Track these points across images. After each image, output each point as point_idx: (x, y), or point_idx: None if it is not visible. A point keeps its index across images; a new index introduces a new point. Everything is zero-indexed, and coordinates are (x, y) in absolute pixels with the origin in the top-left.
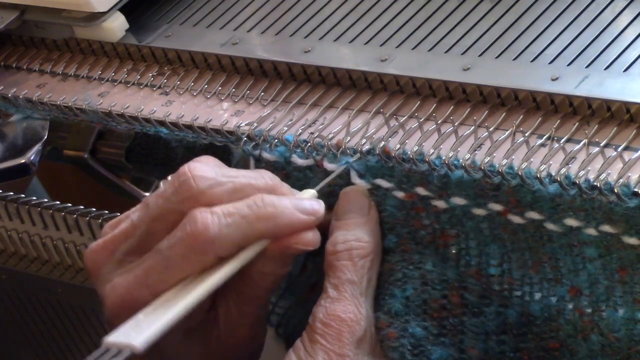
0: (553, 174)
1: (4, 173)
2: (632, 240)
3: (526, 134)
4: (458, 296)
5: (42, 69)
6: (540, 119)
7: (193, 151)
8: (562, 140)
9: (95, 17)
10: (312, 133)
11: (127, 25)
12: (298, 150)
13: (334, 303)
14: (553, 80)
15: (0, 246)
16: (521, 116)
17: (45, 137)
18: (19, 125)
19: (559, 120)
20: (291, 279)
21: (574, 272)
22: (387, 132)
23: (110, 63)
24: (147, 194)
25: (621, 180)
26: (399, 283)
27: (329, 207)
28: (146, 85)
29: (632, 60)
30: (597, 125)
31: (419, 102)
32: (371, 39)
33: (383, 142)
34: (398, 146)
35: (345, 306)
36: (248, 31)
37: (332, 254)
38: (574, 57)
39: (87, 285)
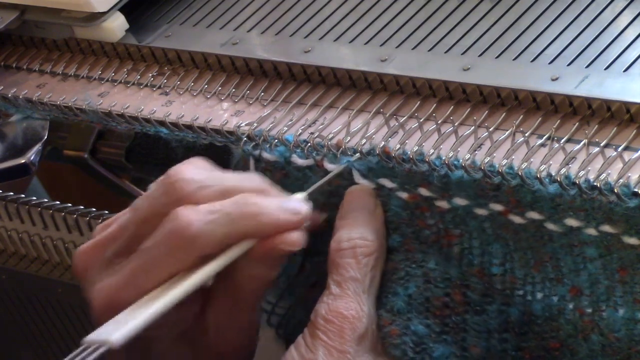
0: (553, 174)
1: (4, 173)
2: (632, 241)
3: (526, 134)
4: (460, 294)
5: (42, 69)
6: (540, 119)
7: (193, 151)
8: (562, 140)
9: (95, 17)
10: (312, 133)
11: (127, 25)
12: (298, 150)
13: (336, 300)
14: (553, 80)
15: (0, 246)
16: (521, 116)
17: (45, 137)
18: (19, 125)
19: (559, 120)
20: (290, 279)
21: (575, 272)
22: (387, 132)
23: (110, 63)
24: None
25: (621, 180)
26: (402, 281)
27: (332, 206)
28: (146, 86)
29: (632, 60)
30: (597, 125)
31: (419, 102)
32: (371, 39)
33: (383, 142)
34: (398, 146)
35: (348, 303)
36: (248, 31)
37: (336, 251)
38: (574, 57)
39: None
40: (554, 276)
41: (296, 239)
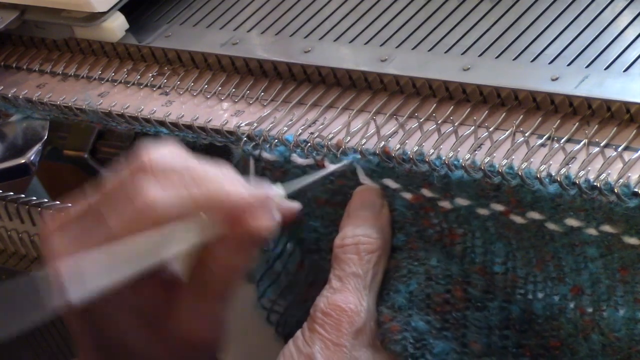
0: (553, 174)
1: (4, 173)
2: (632, 240)
3: (526, 134)
4: (461, 290)
5: (42, 69)
6: (540, 119)
7: (193, 151)
8: (562, 140)
9: (95, 17)
10: (312, 133)
11: (127, 25)
12: (298, 150)
13: (336, 293)
14: (553, 80)
15: (0, 246)
16: (521, 116)
17: (45, 137)
18: (19, 125)
19: (559, 120)
20: (289, 277)
21: (576, 271)
22: (388, 132)
23: (110, 63)
24: None
25: (621, 180)
26: (404, 279)
27: (336, 205)
28: (146, 85)
29: (632, 60)
30: (597, 125)
31: (418, 102)
32: (371, 39)
33: (383, 142)
34: (398, 146)
35: (347, 297)
36: (248, 31)
37: (340, 247)
38: (574, 57)
39: None
40: (555, 275)
41: (264, 222)
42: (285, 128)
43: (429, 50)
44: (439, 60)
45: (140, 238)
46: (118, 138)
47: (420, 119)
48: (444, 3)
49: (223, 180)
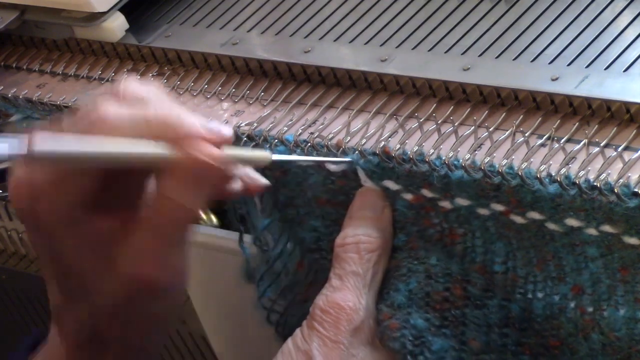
0: (553, 174)
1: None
2: (632, 241)
3: (526, 134)
4: (461, 288)
5: (42, 69)
6: (540, 119)
7: None
8: (562, 140)
9: (95, 17)
10: (312, 133)
11: (127, 25)
12: (298, 150)
13: (335, 292)
14: (553, 80)
15: (0, 246)
16: (521, 116)
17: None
18: (19, 125)
19: (559, 120)
20: (288, 277)
21: (577, 271)
22: (388, 132)
23: (110, 63)
24: None
25: (621, 180)
26: (404, 277)
27: (337, 205)
28: None
29: (632, 60)
30: (597, 125)
31: (418, 102)
32: (371, 39)
33: (383, 143)
34: (398, 146)
35: (346, 295)
36: (248, 31)
37: (340, 246)
38: (574, 57)
39: None
40: (556, 275)
41: (214, 152)
42: (285, 128)
43: (429, 50)
44: (439, 60)
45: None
46: None
47: (420, 119)
48: (444, 3)
49: (183, 111)
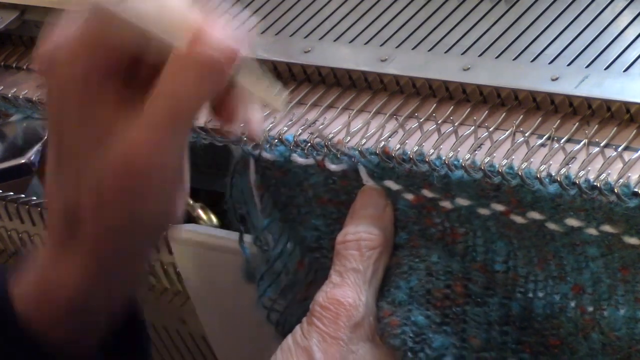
0: (553, 174)
1: (4, 173)
2: (632, 241)
3: (526, 134)
4: (462, 286)
5: None
6: (540, 119)
7: (193, 151)
8: (562, 140)
9: None
10: (312, 133)
11: None
12: (298, 150)
13: (335, 288)
14: (553, 80)
15: (0, 246)
16: (521, 116)
17: (45, 137)
18: (19, 125)
19: (559, 120)
20: (289, 276)
21: (577, 271)
22: (388, 132)
23: None
24: None
25: (621, 180)
26: (404, 275)
27: (338, 204)
28: None
29: (632, 60)
30: (597, 125)
31: (418, 102)
32: (371, 39)
33: (383, 143)
34: (398, 146)
35: (345, 291)
36: (248, 31)
37: (341, 243)
38: (574, 57)
39: None
40: (557, 274)
41: (221, 52)
42: (285, 128)
43: (429, 50)
44: (439, 60)
45: None
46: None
47: (420, 119)
48: (444, 3)
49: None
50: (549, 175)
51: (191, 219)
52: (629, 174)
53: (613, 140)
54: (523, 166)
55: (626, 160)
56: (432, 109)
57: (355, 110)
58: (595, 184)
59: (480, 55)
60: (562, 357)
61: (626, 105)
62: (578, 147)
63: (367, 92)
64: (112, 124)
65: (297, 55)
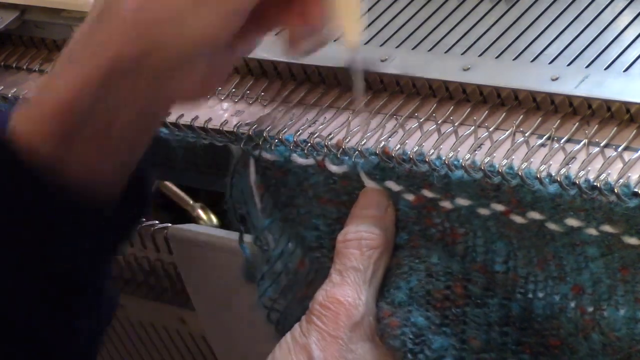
0: (553, 174)
1: None
2: (632, 241)
3: (526, 134)
4: (462, 287)
5: (42, 69)
6: (540, 119)
7: (193, 151)
8: (562, 140)
9: None
10: (312, 133)
11: None
12: (298, 150)
13: (335, 287)
14: (553, 80)
15: None
16: (521, 116)
17: None
18: None
19: (559, 120)
20: (289, 276)
21: (577, 271)
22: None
23: None
24: None
25: (621, 180)
26: (405, 275)
27: (339, 205)
28: None
29: (632, 60)
30: (597, 125)
31: (418, 102)
32: (371, 39)
33: (383, 143)
34: (398, 146)
35: (345, 290)
36: None
37: (342, 242)
38: (574, 57)
39: None
40: (557, 275)
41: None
42: (285, 128)
43: (429, 50)
44: (439, 60)
45: None
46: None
47: (420, 119)
48: (444, 3)
49: None
50: (549, 175)
51: (191, 219)
52: (629, 174)
53: (613, 140)
54: (523, 166)
55: (626, 160)
56: (432, 109)
57: (355, 111)
58: (595, 184)
59: (480, 55)
60: (562, 357)
61: (626, 105)
62: (578, 147)
63: (367, 92)
64: None
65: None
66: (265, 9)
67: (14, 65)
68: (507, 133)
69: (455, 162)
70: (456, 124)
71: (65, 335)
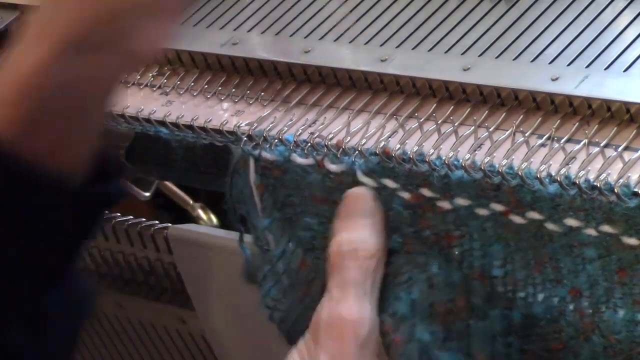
0: (553, 174)
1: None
2: (631, 241)
3: (526, 134)
4: (464, 299)
5: None
6: (540, 119)
7: (193, 151)
8: (562, 140)
9: None
10: (312, 133)
11: None
12: (298, 150)
13: (338, 304)
14: (553, 80)
15: None
16: (521, 116)
17: None
18: None
19: (559, 120)
20: (291, 276)
21: (574, 273)
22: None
23: None
24: (147, 194)
25: (621, 180)
26: (405, 285)
27: (332, 202)
28: (146, 85)
29: (632, 60)
30: (597, 125)
31: (418, 102)
32: (371, 39)
33: (383, 143)
34: (398, 146)
35: (350, 307)
36: (248, 31)
37: (337, 254)
38: (574, 57)
39: None
40: (553, 277)
41: None
42: (286, 128)
43: (429, 50)
44: (439, 60)
45: None
46: (118, 138)
47: (420, 119)
48: (444, 3)
49: None
50: (549, 175)
51: (191, 219)
52: (629, 174)
53: (613, 140)
54: (523, 166)
55: (626, 160)
56: (432, 109)
57: (355, 110)
58: (595, 184)
59: (480, 55)
60: None
61: (626, 105)
62: (578, 147)
63: (367, 92)
64: None
65: (297, 55)
66: None
67: None
68: (507, 133)
69: (455, 162)
70: (456, 124)
71: (37, 323)
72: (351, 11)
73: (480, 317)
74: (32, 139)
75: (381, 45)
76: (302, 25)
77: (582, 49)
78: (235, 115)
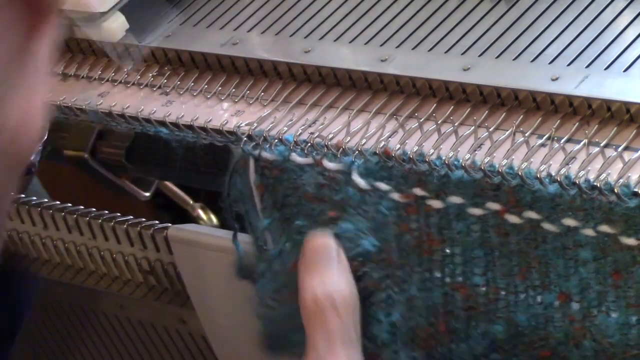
0: (553, 174)
1: None
2: (629, 241)
3: (526, 134)
4: (444, 323)
5: None
6: (540, 119)
7: (193, 151)
8: (562, 140)
9: (95, 17)
10: (312, 133)
11: (127, 25)
12: (298, 150)
13: (327, 358)
14: (553, 80)
15: None
16: (521, 116)
17: (45, 137)
18: None
19: (559, 120)
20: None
21: (565, 277)
22: (388, 132)
23: (110, 63)
24: (147, 194)
25: (621, 180)
26: (383, 305)
27: (322, 202)
28: (146, 85)
29: (632, 60)
30: (597, 125)
31: (418, 102)
32: (371, 39)
33: (383, 143)
34: (398, 146)
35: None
36: (248, 31)
37: (315, 307)
38: (574, 57)
39: (87, 285)
40: (539, 283)
41: None
42: (285, 128)
43: (429, 50)
44: (439, 60)
45: None
46: (118, 138)
47: (420, 119)
48: (444, 3)
49: None
50: (549, 175)
51: (191, 219)
52: (629, 174)
53: (613, 140)
54: (523, 166)
55: (626, 160)
56: (432, 109)
57: (355, 110)
58: (595, 184)
59: (480, 55)
60: None
61: (626, 105)
62: (578, 147)
63: (367, 92)
64: None
65: (297, 55)
66: None
67: None
68: (507, 133)
69: (455, 162)
70: (456, 124)
71: None
72: (351, 11)
73: (462, 339)
74: None
75: (381, 45)
76: (302, 25)
77: (582, 49)
78: (235, 115)
